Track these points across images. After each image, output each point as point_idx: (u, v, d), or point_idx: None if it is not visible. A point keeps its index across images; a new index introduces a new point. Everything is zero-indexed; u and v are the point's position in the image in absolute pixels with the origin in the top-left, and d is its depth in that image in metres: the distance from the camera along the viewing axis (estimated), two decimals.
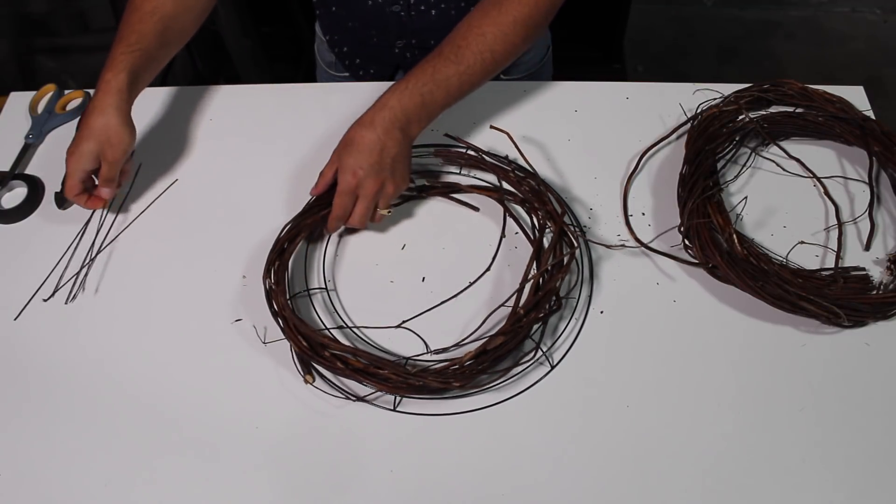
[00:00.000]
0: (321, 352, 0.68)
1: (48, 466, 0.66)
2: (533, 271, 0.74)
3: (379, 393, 0.68)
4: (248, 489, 0.64)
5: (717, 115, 0.86)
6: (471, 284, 0.76)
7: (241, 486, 0.65)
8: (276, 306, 0.71)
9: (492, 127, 0.82)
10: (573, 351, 0.72)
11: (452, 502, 0.63)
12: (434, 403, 0.68)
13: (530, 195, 0.80)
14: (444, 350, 0.71)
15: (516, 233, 0.80)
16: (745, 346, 0.71)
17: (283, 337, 0.70)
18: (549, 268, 0.73)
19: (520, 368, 0.70)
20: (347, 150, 0.74)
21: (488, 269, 0.77)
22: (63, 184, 0.79)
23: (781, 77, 0.89)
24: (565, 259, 0.74)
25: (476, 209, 0.83)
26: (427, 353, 0.71)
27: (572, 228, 0.78)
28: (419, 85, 0.75)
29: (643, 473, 0.64)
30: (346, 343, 0.71)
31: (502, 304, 0.72)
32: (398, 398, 0.68)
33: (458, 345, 0.71)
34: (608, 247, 0.78)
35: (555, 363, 0.71)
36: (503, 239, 0.79)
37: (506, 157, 0.84)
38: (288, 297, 0.73)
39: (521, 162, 0.82)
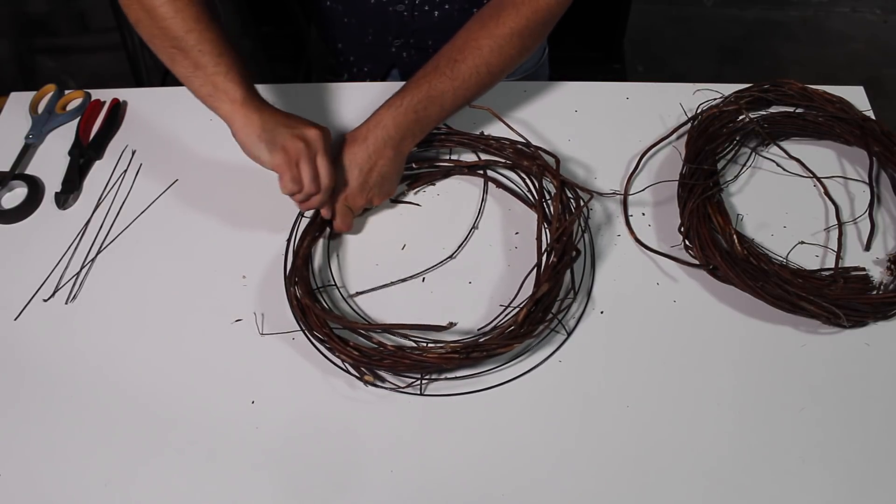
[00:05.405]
0: (372, 354, 0.68)
1: (48, 466, 0.66)
2: (545, 229, 0.76)
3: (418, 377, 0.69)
4: (248, 489, 0.65)
5: (717, 115, 0.86)
6: (448, 258, 0.76)
7: (241, 486, 0.65)
8: (314, 324, 0.70)
9: (472, 105, 0.82)
10: (573, 351, 0.72)
11: (452, 502, 0.64)
12: (433, 388, 0.69)
13: (516, 157, 0.82)
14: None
15: (517, 231, 0.80)
16: (745, 346, 0.71)
17: (286, 332, 0.71)
18: (564, 213, 0.75)
19: (536, 339, 0.71)
20: (338, 167, 0.75)
21: (461, 247, 0.77)
22: (317, 211, 0.75)
23: (781, 77, 0.89)
24: (580, 201, 0.76)
25: (485, 178, 0.84)
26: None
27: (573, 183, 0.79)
28: (414, 101, 0.75)
29: (643, 474, 0.64)
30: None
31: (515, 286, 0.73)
32: (424, 384, 0.69)
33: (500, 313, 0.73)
34: (601, 194, 0.82)
35: (571, 330, 0.72)
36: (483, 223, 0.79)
37: (480, 133, 0.86)
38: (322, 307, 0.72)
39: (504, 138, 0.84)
